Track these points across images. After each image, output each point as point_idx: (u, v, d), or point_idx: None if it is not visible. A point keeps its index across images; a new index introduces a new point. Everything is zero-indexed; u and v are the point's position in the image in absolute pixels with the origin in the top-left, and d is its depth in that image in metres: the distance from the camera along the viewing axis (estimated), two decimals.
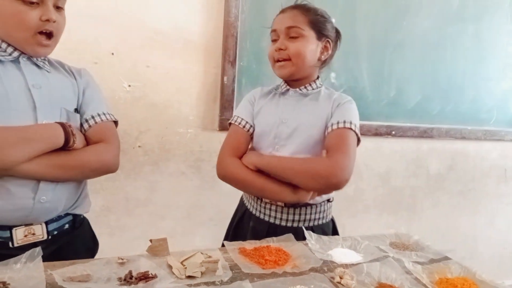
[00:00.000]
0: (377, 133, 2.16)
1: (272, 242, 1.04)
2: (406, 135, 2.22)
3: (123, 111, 1.70)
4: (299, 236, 1.10)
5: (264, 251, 0.97)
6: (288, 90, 1.26)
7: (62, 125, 0.94)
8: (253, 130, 1.27)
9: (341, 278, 0.87)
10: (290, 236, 1.08)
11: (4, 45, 0.95)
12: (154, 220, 1.85)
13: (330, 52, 1.24)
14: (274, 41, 1.21)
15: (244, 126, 1.26)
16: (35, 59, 0.99)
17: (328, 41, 1.22)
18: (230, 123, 1.30)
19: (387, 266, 0.95)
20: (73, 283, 0.73)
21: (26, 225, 0.94)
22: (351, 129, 1.15)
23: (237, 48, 1.80)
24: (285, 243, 1.04)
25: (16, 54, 0.96)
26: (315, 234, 1.08)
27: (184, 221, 1.90)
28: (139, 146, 1.76)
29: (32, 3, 0.90)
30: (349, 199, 2.21)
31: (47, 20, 0.93)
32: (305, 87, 1.24)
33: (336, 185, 1.08)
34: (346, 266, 0.94)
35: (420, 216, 2.39)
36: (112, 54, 1.66)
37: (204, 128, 1.85)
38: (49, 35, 0.96)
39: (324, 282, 0.86)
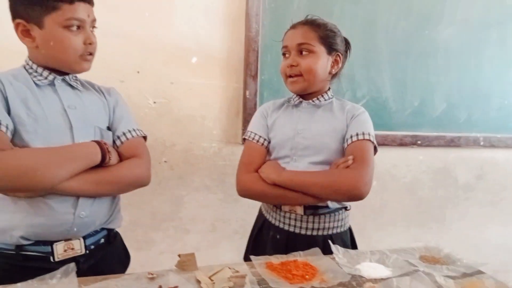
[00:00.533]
0: (402, 143, 2.13)
1: (299, 256, 1.04)
2: (432, 145, 2.18)
3: (149, 127, 1.73)
4: (319, 244, 1.14)
5: (291, 265, 0.97)
6: (301, 102, 1.28)
7: (98, 143, 0.99)
8: (268, 143, 1.29)
9: None
10: (317, 250, 1.07)
11: (40, 70, 1.01)
12: (180, 234, 1.87)
13: (340, 65, 1.26)
14: (285, 56, 1.24)
15: (258, 141, 1.28)
16: (68, 79, 1.05)
17: (338, 54, 1.24)
18: (244, 139, 1.32)
19: (417, 281, 0.93)
20: None
21: (65, 240, 0.98)
22: (369, 140, 1.18)
23: (258, 62, 1.82)
24: (312, 257, 1.04)
25: (51, 77, 1.01)
26: (342, 248, 1.08)
27: (209, 234, 1.91)
28: (164, 161, 1.79)
29: (75, 29, 0.98)
30: (374, 211, 2.17)
31: (90, 44, 1.01)
32: (318, 99, 1.27)
33: (359, 198, 1.12)
34: (375, 281, 0.93)
35: (449, 228, 2.32)
36: (138, 72, 1.71)
37: (227, 141, 1.87)
38: (90, 54, 1.04)
39: None
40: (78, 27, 0.99)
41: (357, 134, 1.18)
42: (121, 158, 1.08)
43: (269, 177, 1.18)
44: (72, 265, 0.84)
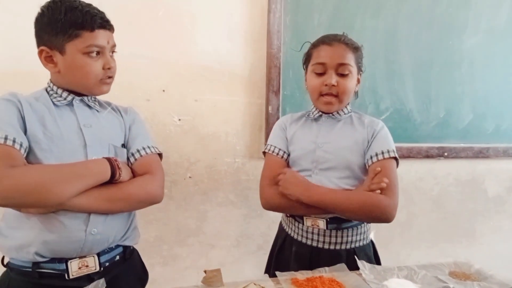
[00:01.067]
0: (428, 155, 2.09)
1: (325, 272, 1.03)
2: (459, 156, 2.13)
3: (174, 144, 1.78)
4: (342, 258, 1.15)
5: (317, 281, 0.96)
6: (321, 115, 1.29)
7: (108, 160, 1.01)
8: (288, 156, 1.29)
9: None
10: (343, 265, 1.06)
11: (60, 91, 1.06)
12: (204, 249, 1.88)
13: (360, 83, 1.27)
14: (319, 74, 1.21)
15: (278, 154, 1.29)
16: (87, 99, 1.09)
17: (361, 73, 1.25)
18: (264, 152, 1.33)
19: None
20: None
21: (80, 257, 1.00)
22: (393, 157, 1.19)
23: (280, 78, 1.84)
24: (338, 273, 1.03)
25: (70, 98, 1.06)
26: (368, 264, 1.07)
27: (233, 250, 1.92)
28: (189, 177, 1.82)
29: (95, 55, 1.03)
30: (401, 225, 2.13)
31: (109, 68, 1.06)
32: (338, 113, 1.27)
33: (387, 222, 1.15)
34: None
35: (480, 242, 2.25)
36: (163, 91, 1.76)
37: (250, 157, 1.89)
38: (109, 77, 1.08)
39: None
40: (98, 53, 1.03)
41: (382, 152, 1.18)
42: (134, 175, 1.09)
43: (295, 195, 1.17)
44: (102, 281, 0.86)
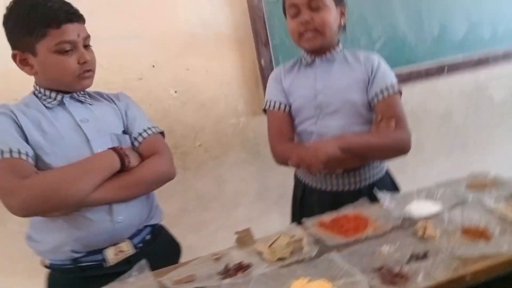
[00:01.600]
0: (428, 74, 2.07)
1: (349, 210, 1.07)
2: (460, 69, 2.11)
3: (176, 117, 1.78)
4: (364, 195, 1.16)
5: (343, 220, 1.00)
6: (314, 60, 1.26)
7: (114, 149, 1.02)
8: (289, 108, 1.28)
9: (424, 231, 0.88)
10: (365, 200, 1.10)
11: (48, 92, 1.05)
12: (228, 210, 1.94)
13: (345, 16, 1.23)
14: (294, 15, 1.18)
15: (279, 108, 1.28)
16: (76, 95, 1.08)
17: (343, 6, 1.22)
18: (265, 110, 1.32)
19: (468, 210, 0.95)
20: (182, 285, 0.82)
21: (113, 244, 1.05)
22: (398, 92, 1.20)
23: (267, 28, 1.80)
24: (361, 208, 1.07)
25: (59, 97, 1.05)
26: (388, 194, 1.10)
27: (256, 204, 1.98)
28: (199, 145, 1.85)
29: (67, 51, 0.99)
30: (413, 147, 2.13)
31: (85, 62, 1.02)
32: (330, 53, 1.24)
33: (406, 154, 1.18)
34: (426, 218, 0.95)
35: (492, 150, 2.28)
36: (153, 66, 1.74)
37: (254, 113, 1.89)
38: (88, 71, 1.05)
39: (408, 238, 0.88)
40: (70, 48, 1.00)
41: (386, 88, 1.18)
42: (142, 158, 1.10)
43: (331, 147, 1.06)
44: (143, 261, 0.90)
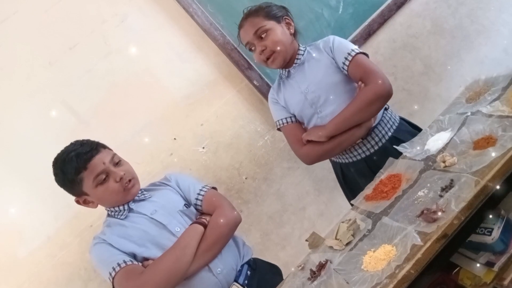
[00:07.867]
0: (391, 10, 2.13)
1: (382, 175, 1.21)
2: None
3: (215, 166, 2.00)
4: (391, 149, 1.31)
5: (381, 186, 1.15)
6: (289, 71, 1.46)
7: (197, 222, 1.25)
8: (295, 116, 1.48)
9: (444, 162, 1.01)
10: (390, 159, 1.24)
11: (117, 208, 1.29)
12: (299, 215, 2.11)
13: (293, 24, 1.43)
14: (253, 50, 1.42)
15: (287, 122, 1.48)
16: (137, 197, 1.32)
17: (285, 18, 1.41)
18: (279, 129, 1.52)
19: (471, 124, 1.05)
20: None
21: None
22: (360, 53, 1.33)
23: (243, 55, 1.98)
24: (391, 168, 1.20)
25: (126, 207, 1.30)
26: (406, 143, 1.23)
27: (319, 198, 2.13)
28: (246, 178, 2.05)
29: (104, 179, 1.23)
30: (407, 84, 2.20)
31: (121, 178, 1.25)
32: (298, 58, 1.43)
33: (389, 95, 1.28)
34: (442, 149, 1.07)
35: (477, 53, 2.21)
36: (175, 139, 1.98)
37: (273, 126, 2.05)
38: (129, 181, 1.28)
39: (435, 176, 1.00)
40: (106, 175, 1.23)
41: (348, 54, 1.34)
42: (208, 214, 1.31)
43: (318, 135, 1.36)
44: None
